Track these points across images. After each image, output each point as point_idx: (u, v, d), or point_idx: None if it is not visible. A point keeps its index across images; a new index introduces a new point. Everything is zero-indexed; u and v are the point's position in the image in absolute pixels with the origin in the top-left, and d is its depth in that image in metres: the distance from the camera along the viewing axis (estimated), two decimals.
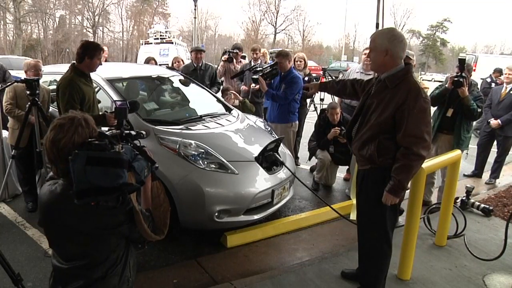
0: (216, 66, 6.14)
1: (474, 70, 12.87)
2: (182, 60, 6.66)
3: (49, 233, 1.54)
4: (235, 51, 6.11)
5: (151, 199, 1.65)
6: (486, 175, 5.64)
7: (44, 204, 1.47)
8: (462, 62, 3.88)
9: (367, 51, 4.83)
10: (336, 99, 5.50)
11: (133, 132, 1.70)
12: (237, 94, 5.23)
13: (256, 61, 5.86)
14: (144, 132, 1.81)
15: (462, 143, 4.00)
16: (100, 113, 3.24)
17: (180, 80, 4.83)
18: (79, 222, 1.43)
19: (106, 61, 7.64)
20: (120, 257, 1.54)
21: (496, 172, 5.46)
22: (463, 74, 3.86)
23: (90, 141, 1.40)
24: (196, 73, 5.58)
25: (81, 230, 1.44)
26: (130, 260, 1.61)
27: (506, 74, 5.27)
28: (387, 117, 2.25)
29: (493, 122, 5.24)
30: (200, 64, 5.66)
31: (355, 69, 5.14)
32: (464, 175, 5.64)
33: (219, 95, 5.22)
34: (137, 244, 1.63)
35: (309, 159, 5.25)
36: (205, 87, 4.95)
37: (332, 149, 4.78)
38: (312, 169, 5.47)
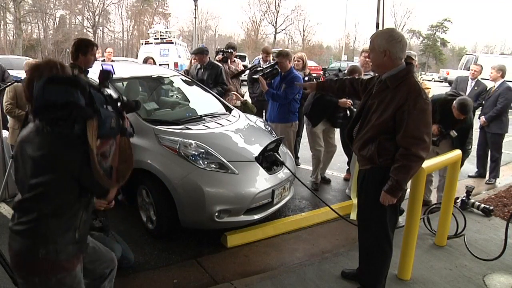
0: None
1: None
2: (153, 59, 6.77)
3: (16, 167, 1.62)
4: (229, 50, 6.04)
5: (118, 154, 1.66)
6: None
7: (18, 139, 1.59)
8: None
9: (366, 53, 4.85)
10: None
11: (114, 96, 1.68)
12: (239, 95, 5.21)
13: (266, 62, 5.80)
14: (134, 104, 1.76)
15: (467, 155, 3.97)
16: None
17: (181, 79, 4.82)
18: (36, 150, 1.51)
19: (112, 61, 7.66)
20: (71, 203, 1.58)
21: (494, 171, 5.47)
22: (451, 133, 3.91)
23: None
24: (200, 72, 5.55)
25: (36, 158, 1.50)
26: (83, 213, 1.65)
27: (491, 73, 5.40)
28: (388, 118, 2.24)
29: (481, 120, 5.41)
30: (204, 64, 5.57)
31: None
32: (469, 176, 5.65)
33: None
34: (87, 194, 1.64)
35: (314, 126, 4.68)
36: (205, 87, 4.93)
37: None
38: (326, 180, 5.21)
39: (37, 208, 1.54)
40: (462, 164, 3.43)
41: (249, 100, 5.78)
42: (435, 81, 28.79)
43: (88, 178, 1.53)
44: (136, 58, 20.97)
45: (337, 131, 5.15)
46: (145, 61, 6.75)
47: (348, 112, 4.59)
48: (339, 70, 5.12)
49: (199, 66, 5.59)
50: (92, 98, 1.53)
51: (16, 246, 1.58)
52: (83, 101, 1.50)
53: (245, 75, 6.64)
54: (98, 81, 1.67)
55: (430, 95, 3.75)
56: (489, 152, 5.49)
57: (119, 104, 1.66)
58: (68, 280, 1.63)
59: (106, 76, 1.70)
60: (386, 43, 2.24)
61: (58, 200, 1.55)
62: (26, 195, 1.55)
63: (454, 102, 3.78)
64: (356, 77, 4.30)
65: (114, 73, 1.85)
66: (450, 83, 25.07)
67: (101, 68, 1.73)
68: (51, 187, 1.52)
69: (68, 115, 1.47)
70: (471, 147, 4.10)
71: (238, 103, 5.12)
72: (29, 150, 1.53)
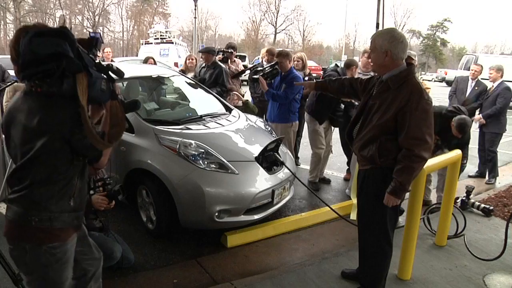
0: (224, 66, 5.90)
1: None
2: (154, 59, 6.79)
3: (7, 136, 1.60)
4: (229, 50, 6.05)
5: (109, 119, 1.64)
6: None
7: (6, 110, 1.57)
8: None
9: (368, 54, 4.85)
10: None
11: (104, 63, 1.66)
12: (240, 95, 5.21)
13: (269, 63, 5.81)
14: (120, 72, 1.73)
15: (461, 170, 3.96)
16: None
17: (181, 79, 4.81)
18: (26, 115, 1.48)
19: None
20: (63, 168, 1.55)
21: (493, 171, 5.47)
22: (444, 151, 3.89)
23: None
24: (203, 71, 5.58)
25: (27, 123, 1.47)
26: (78, 181, 1.63)
27: (490, 73, 5.42)
28: (389, 119, 2.24)
29: (476, 117, 5.44)
30: (208, 64, 5.58)
31: None
32: (469, 176, 5.65)
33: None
34: (80, 157, 1.60)
35: (321, 123, 4.73)
36: (204, 87, 4.93)
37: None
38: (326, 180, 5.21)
39: (30, 175, 1.51)
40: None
41: (250, 100, 5.78)
42: (435, 81, 28.77)
43: (79, 140, 1.50)
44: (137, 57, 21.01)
45: (336, 131, 5.16)
46: (146, 61, 6.76)
47: (342, 106, 4.64)
48: (336, 65, 5.11)
49: (203, 65, 5.62)
50: (80, 55, 1.49)
51: (10, 214, 1.57)
52: (72, 55, 1.45)
53: (245, 75, 6.64)
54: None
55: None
56: (486, 152, 5.48)
57: (109, 71, 1.62)
58: (59, 252, 1.61)
59: (94, 43, 1.66)
60: (388, 44, 2.24)
61: (50, 165, 1.52)
62: (19, 164, 1.52)
63: (453, 120, 3.76)
64: (354, 69, 4.50)
65: (103, 42, 1.81)
66: (447, 83, 25.06)
67: (89, 36, 1.70)
68: (42, 151, 1.48)
69: (57, 67, 1.43)
70: (466, 161, 4.10)
71: (240, 103, 5.11)
72: (20, 116, 1.49)
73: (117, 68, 1.69)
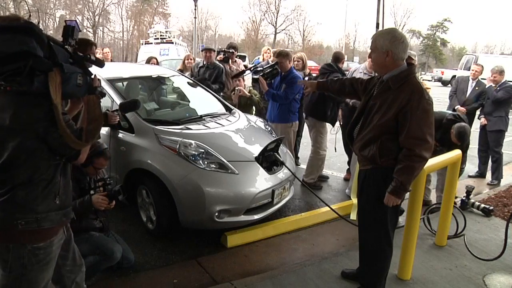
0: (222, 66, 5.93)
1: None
2: (156, 59, 6.79)
3: None
4: (230, 50, 6.07)
5: (86, 114, 1.58)
6: (489, 174, 5.61)
7: None
8: None
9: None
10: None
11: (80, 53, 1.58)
12: (245, 91, 5.24)
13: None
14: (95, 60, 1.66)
15: (460, 174, 3.96)
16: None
17: (181, 79, 4.82)
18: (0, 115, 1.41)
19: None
20: (44, 168, 1.50)
21: (496, 172, 5.44)
22: None
23: None
24: (202, 70, 5.60)
25: (0, 125, 1.41)
26: (61, 178, 1.58)
27: (495, 77, 5.42)
28: (390, 119, 2.24)
29: (482, 120, 5.49)
30: (208, 63, 5.61)
31: (358, 69, 5.12)
32: (469, 176, 5.64)
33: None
34: (57, 156, 1.55)
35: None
36: (204, 87, 4.94)
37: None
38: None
39: (10, 178, 1.47)
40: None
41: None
42: (435, 80, 28.75)
43: (55, 138, 1.45)
44: (136, 58, 21.03)
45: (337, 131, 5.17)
46: (148, 61, 6.77)
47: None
48: (330, 65, 5.12)
49: (201, 64, 5.63)
50: (52, 51, 1.42)
51: None
52: (41, 52, 1.38)
53: (245, 75, 6.65)
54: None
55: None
56: (490, 152, 5.46)
57: (86, 62, 1.55)
58: (42, 253, 1.57)
59: (70, 32, 1.57)
60: (389, 44, 2.24)
61: (30, 165, 1.48)
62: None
63: (453, 127, 3.74)
64: (343, 62, 4.78)
65: (80, 30, 1.76)
66: (443, 83, 24.99)
67: (65, 24, 1.65)
68: (19, 152, 1.43)
69: (24, 67, 1.34)
70: (465, 166, 4.10)
71: (248, 91, 5.17)
72: None
73: (96, 58, 1.63)
